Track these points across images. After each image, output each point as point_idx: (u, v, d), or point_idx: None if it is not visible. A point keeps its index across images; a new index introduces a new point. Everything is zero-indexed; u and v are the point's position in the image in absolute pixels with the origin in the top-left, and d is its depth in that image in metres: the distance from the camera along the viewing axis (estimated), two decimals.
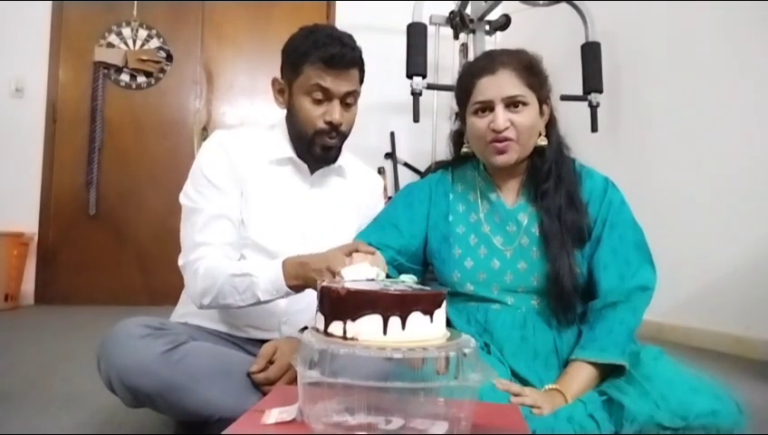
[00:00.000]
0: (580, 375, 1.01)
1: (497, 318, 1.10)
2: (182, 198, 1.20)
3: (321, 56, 1.15)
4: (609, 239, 1.10)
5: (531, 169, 1.16)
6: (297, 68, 1.18)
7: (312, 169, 1.28)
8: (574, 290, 1.07)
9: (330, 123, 1.18)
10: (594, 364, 1.01)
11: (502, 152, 1.09)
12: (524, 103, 1.08)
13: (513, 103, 1.08)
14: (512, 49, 1.16)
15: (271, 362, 1.03)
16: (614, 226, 1.11)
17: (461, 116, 1.19)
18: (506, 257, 1.13)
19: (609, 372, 1.02)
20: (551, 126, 1.15)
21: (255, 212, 1.20)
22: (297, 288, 1.04)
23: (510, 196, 1.18)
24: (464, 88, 1.15)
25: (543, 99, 1.13)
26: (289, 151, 1.25)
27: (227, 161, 1.20)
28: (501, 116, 1.07)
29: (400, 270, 1.14)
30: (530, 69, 1.10)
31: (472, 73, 1.13)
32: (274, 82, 1.27)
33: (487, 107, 1.09)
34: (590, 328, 1.06)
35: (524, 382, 1.04)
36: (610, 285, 1.07)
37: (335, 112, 1.18)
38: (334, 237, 1.23)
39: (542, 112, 1.13)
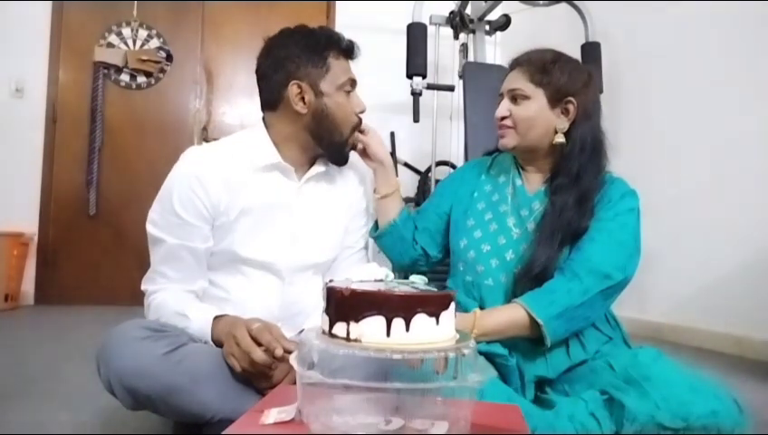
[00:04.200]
0: (507, 312, 1.07)
1: (489, 295, 1.15)
2: (147, 225, 1.14)
3: (344, 48, 1.19)
4: (592, 229, 1.11)
5: (556, 164, 1.19)
6: (323, 63, 1.17)
7: (298, 172, 1.23)
8: (537, 278, 1.09)
9: (361, 113, 1.22)
10: (527, 312, 1.05)
11: (502, 136, 1.21)
12: (525, 97, 1.16)
13: (514, 96, 1.17)
14: (544, 49, 1.21)
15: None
16: (602, 220, 1.11)
17: None
18: (513, 237, 1.17)
19: (535, 339, 1.06)
20: (579, 125, 1.15)
21: (244, 227, 1.16)
22: (219, 344, 1.04)
23: (533, 184, 1.22)
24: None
25: (558, 96, 1.14)
26: (275, 157, 1.19)
27: (201, 192, 1.12)
28: (502, 106, 1.19)
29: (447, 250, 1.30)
30: (541, 66, 1.16)
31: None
32: (293, 86, 1.16)
33: (501, 98, 1.21)
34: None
35: (520, 369, 1.08)
36: (578, 258, 1.09)
37: (362, 101, 1.23)
38: (323, 239, 1.25)
39: (563, 111, 1.15)
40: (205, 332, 1.06)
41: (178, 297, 1.13)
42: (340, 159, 1.26)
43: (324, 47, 1.17)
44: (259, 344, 0.97)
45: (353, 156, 1.33)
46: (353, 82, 1.21)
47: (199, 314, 1.08)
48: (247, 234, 1.17)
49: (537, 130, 1.16)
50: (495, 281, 1.15)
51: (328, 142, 1.21)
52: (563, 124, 1.15)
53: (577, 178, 1.13)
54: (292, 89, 1.17)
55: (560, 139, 1.15)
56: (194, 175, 1.12)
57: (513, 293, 1.12)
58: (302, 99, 1.17)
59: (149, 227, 1.14)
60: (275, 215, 1.19)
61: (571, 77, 1.15)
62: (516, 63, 1.20)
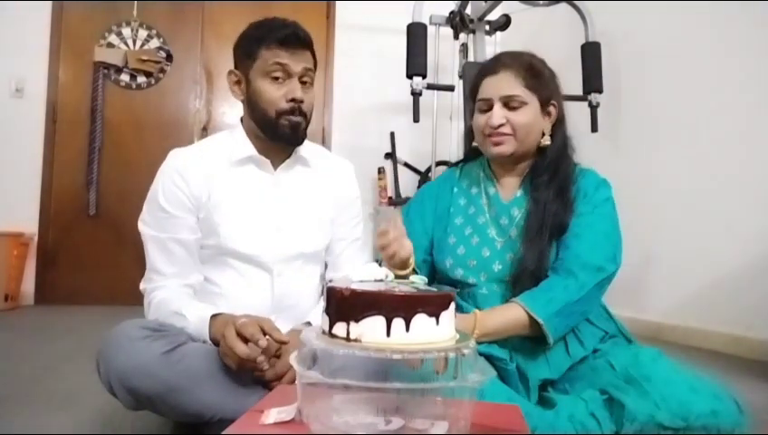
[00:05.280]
0: (506, 312, 1.07)
1: (485, 303, 1.15)
2: (139, 224, 1.21)
3: (277, 37, 1.18)
4: (576, 225, 1.13)
5: (533, 166, 1.20)
6: (253, 54, 1.20)
7: (276, 164, 1.26)
8: (533, 275, 1.10)
9: (293, 100, 1.18)
10: (526, 312, 1.05)
11: (498, 144, 1.17)
12: (522, 103, 1.15)
13: (510, 102, 1.15)
14: (518, 51, 1.21)
15: (277, 357, 1.03)
16: (583, 214, 1.14)
17: (471, 111, 1.27)
18: (497, 248, 1.18)
19: (535, 337, 1.06)
20: (558, 126, 1.20)
21: (226, 220, 1.19)
22: (217, 343, 1.04)
23: (508, 191, 1.23)
24: (472, 86, 1.24)
25: (546, 100, 1.17)
26: (249, 150, 1.23)
27: (182, 184, 1.18)
28: (497, 114, 1.15)
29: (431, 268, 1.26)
30: (531, 70, 1.16)
31: (479, 73, 1.22)
32: (230, 73, 1.25)
33: (488, 105, 1.17)
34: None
35: (521, 371, 1.07)
36: (569, 256, 1.10)
37: (297, 90, 1.18)
38: (306, 229, 1.25)
39: (546, 113, 1.19)
40: (202, 332, 1.07)
41: (176, 296, 1.15)
42: (283, 140, 1.23)
43: (257, 38, 1.20)
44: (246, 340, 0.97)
45: (320, 148, 1.35)
46: (283, 70, 1.18)
47: (196, 314, 1.08)
48: (230, 227, 1.19)
49: (533, 136, 1.18)
50: (490, 290, 1.16)
51: (262, 126, 1.21)
52: (548, 126, 1.19)
53: (555, 173, 1.16)
54: (230, 77, 1.26)
55: (546, 141, 1.18)
56: (175, 170, 1.19)
57: (514, 295, 1.11)
58: (239, 87, 1.24)
59: (141, 227, 1.21)
60: (255, 206, 1.22)
61: (552, 80, 1.19)
62: (503, 67, 1.17)
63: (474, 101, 1.23)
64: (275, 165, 1.26)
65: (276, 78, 1.18)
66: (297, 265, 1.24)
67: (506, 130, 1.15)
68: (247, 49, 1.21)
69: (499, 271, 1.16)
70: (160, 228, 1.18)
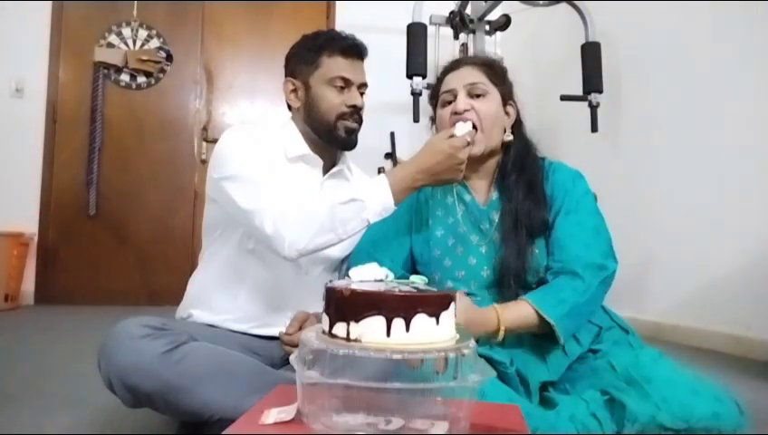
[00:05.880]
0: (518, 308, 1.06)
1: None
2: (230, 169, 1.16)
3: (340, 46, 1.24)
4: (565, 224, 1.13)
5: (500, 166, 1.22)
6: (315, 61, 1.25)
7: (324, 169, 1.31)
8: (517, 274, 1.10)
9: (353, 106, 1.25)
10: (534, 310, 1.05)
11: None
12: (486, 92, 1.17)
13: (474, 90, 1.17)
14: (477, 54, 1.25)
15: (301, 329, 1.07)
16: (570, 211, 1.14)
17: (432, 118, 1.29)
18: (482, 254, 1.18)
19: (545, 335, 1.06)
20: (517, 127, 1.23)
21: None
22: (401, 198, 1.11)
23: (482, 195, 1.23)
24: (434, 90, 1.27)
25: (506, 96, 1.21)
26: (304, 148, 1.28)
27: (256, 144, 1.23)
28: (462, 99, 1.17)
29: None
30: (491, 66, 1.21)
31: (441, 73, 1.26)
32: (287, 82, 1.31)
33: (452, 95, 1.19)
34: (547, 283, 1.11)
35: (521, 375, 1.07)
36: (568, 257, 1.10)
37: (357, 97, 1.27)
38: None
39: (506, 112, 1.22)
40: (386, 202, 1.09)
41: (312, 194, 1.21)
42: (339, 143, 1.30)
43: (320, 46, 1.25)
44: None
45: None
46: (346, 81, 1.25)
47: (370, 188, 1.10)
48: None
49: (497, 129, 1.19)
50: (483, 297, 1.16)
51: (320, 129, 1.28)
52: (509, 124, 1.22)
53: (522, 170, 1.18)
54: (287, 85, 1.31)
55: (509, 137, 1.21)
56: (248, 134, 1.24)
57: (503, 299, 1.12)
58: (296, 94, 1.30)
59: (236, 169, 1.16)
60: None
61: (510, 84, 1.23)
62: (464, 63, 1.22)
63: (434, 107, 1.25)
64: (323, 170, 1.31)
65: (337, 87, 1.25)
66: (322, 268, 1.30)
67: (471, 116, 1.15)
68: (309, 57, 1.26)
69: (488, 276, 1.16)
70: (261, 163, 1.17)
